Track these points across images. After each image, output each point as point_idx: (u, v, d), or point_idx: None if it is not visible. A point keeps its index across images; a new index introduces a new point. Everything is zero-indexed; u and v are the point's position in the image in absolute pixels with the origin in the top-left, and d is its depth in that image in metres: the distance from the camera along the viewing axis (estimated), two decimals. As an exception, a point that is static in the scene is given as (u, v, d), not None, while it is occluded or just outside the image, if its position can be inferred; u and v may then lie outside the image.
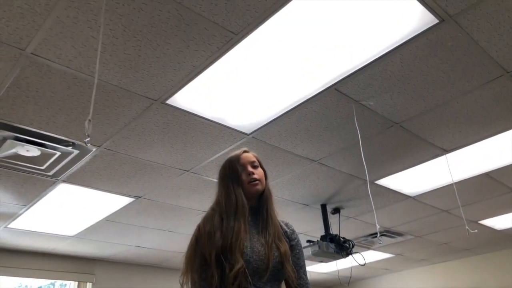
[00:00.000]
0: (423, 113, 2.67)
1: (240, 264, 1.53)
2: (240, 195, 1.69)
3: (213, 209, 1.73)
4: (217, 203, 1.74)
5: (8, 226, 3.92)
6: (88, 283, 5.08)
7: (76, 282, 5.05)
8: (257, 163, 1.79)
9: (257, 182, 1.72)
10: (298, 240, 1.81)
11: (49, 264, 4.81)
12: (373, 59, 2.16)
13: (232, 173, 1.74)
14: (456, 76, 2.34)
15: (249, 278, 1.53)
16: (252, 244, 1.63)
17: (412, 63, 2.21)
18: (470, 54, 2.18)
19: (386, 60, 2.18)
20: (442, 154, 3.20)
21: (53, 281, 5.20)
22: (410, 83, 2.37)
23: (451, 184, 3.61)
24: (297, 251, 1.78)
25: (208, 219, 1.69)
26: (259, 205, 1.75)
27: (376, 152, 3.11)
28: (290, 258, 1.67)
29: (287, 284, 1.70)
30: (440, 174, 3.52)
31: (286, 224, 1.84)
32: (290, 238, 1.78)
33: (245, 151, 1.82)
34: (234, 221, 1.63)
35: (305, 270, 1.76)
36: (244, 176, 1.72)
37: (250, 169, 1.74)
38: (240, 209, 1.66)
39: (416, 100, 2.53)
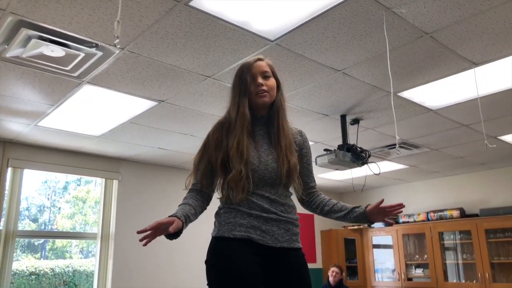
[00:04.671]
0: (456, 23, 2.54)
1: (236, 170, 1.62)
2: (244, 105, 1.70)
3: (225, 118, 1.78)
4: (228, 111, 1.77)
5: (38, 124, 4.09)
6: (114, 180, 5.39)
7: (103, 179, 5.37)
8: (269, 73, 1.77)
9: (265, 94, 1.72)
10: (309, 148, 1.88)
11: (77, 161, 5.08)
12: (410, -39, 2.02)
13: (241, 82, 1.74)
14: (499, -17, 2.19)
15: (251, 184, 1.63)
16: (259, 154, 1.69)
17: (452, -33, 2.06)
18: (517, -42, 2.01)
19: (424, -37, 2.03)
20: (470, 68, 3.11)
21: (79, 176, 5.54)
22: (448, -11, 2.23)
23: (476, 99, 3.55)
24: (308, 157, 1.87)
25: (218, 127, 1.75)
26: (270, 115, 1.78)
27: (403, 64, 3.03)
28: (298, 169, 1.76)
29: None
30: (466, 88, 3.45)
31: (300, 132, 1.88)
32: (302, 146, 1.84)
33: (258, 59, 1.79)
34: (234, 131, 1.69)
35: (313, 174, 1.89)
36: (252, 87, 1.72)
37: (259, 80, 1.72)
38: (239, 120, 1.69)
39: (451, 8, 2.39)
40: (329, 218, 1.81)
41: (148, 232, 1.47)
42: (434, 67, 3.10)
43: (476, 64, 3.05)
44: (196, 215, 1.68)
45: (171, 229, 1.48)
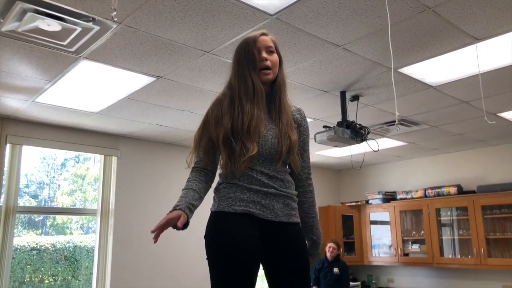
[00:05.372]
0: (460, -3, 2.50)
1: (255, 150, 1.62)
2: (257, 80, 1.68)
3: (223, 94, 1.76)
4: (230, 86, 1.75)
5: (35, 100, 4.06)
6: (113, 157, 5.40)
7: (102, 156, 5.37)
8: (273, 48, 1.75)
9: (268, 72, 1.71)
10: (307, 127, 1.86)
11: (75, 138, 5.07)
12: None
13: (248, 56, 1.71)
14: (504, -45, 2.14)
15: (255, 160, 1.63)
16: (259, 130, 1.68)
17: None
18: None
19: None
20: (472, 43, 3.07)
21: (77, 153, 5.53)
22: (452, -38, 2.18)
23: (477, 75, 3.53)
24: (305, 136, 1.85)
25: (216, 104, 1.74)
26: (272, 92, 1.76)
27: (404, 39, 2.99)
28: (297, 146, 1.75)
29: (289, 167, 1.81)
30: (467, 64, 3.42)
31: (299, 110, 1.87)
32: (300, 124, 1.83)
33: (263, 34, 1.76)
34: (252, 106, 1.66)
35: (308, 154, 1.87)
36: (257, 61, 1.70)
37: (264, 54, 1.71)
38: (258, 95, 1.67)
39: (454, -18, 2.35)
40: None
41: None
42: (435, 43, 3.07)
43: (478, 39, 3.02)
44: (200, 199, 1.69)
45: (179, 223, 1.52)
